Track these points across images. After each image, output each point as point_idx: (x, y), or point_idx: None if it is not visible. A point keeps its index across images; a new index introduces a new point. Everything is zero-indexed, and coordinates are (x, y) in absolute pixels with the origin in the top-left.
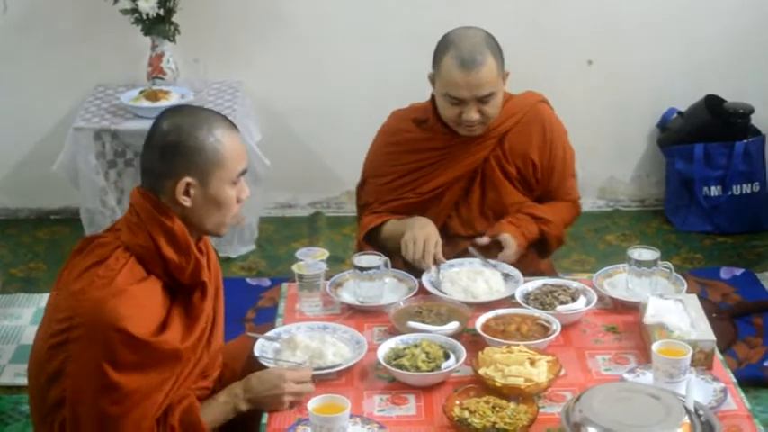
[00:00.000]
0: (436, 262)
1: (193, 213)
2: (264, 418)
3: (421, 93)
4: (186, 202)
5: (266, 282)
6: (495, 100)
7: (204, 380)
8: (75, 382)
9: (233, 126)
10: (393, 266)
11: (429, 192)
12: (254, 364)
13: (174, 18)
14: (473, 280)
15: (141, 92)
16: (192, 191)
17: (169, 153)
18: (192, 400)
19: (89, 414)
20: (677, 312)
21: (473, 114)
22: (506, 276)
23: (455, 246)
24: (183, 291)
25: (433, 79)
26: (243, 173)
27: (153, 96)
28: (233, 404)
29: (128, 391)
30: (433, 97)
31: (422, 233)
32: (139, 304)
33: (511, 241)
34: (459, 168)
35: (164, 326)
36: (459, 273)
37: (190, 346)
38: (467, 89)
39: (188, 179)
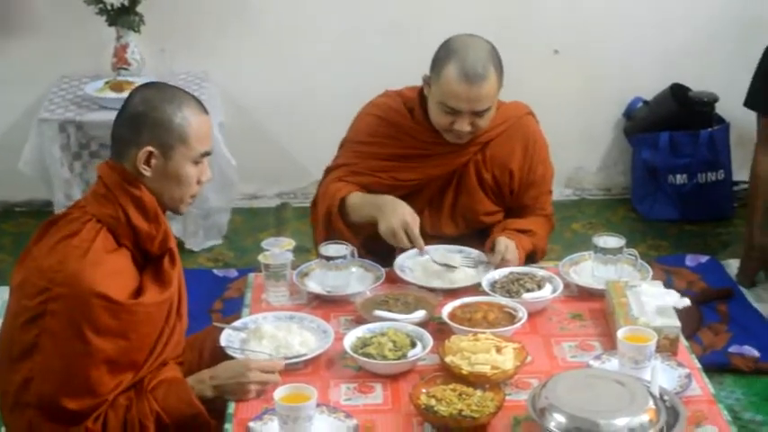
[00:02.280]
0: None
1: (152, 185)
2: (231, 408)
3: (388, 85)
4: (146, 171)
5: (233, 272)
6: (489, 113)
7: (171, 369)
8: (51, 354)
9: (203, 108)
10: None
11: (404, 181)
12: (220, 355)
13: (139, 8)
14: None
15: (106, 83)
16: (153, 161)
17: (137, 122)
18: (180, 377)
19: (67, 382)
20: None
21: (465, 126)
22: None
23: None
24: (151, 261)
25: (428, 82)
26: (206, 154)
27: (118, 87)
28: (198, 390)
29: (108, 356)
30: (421, 90)
31: (397, 221)
32: (116, 271)
33: (512, 245)
34: (438, 169)
35: (139, 292)
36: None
37: (165, 309)
38: (465, 102)
39: (150, 148)
